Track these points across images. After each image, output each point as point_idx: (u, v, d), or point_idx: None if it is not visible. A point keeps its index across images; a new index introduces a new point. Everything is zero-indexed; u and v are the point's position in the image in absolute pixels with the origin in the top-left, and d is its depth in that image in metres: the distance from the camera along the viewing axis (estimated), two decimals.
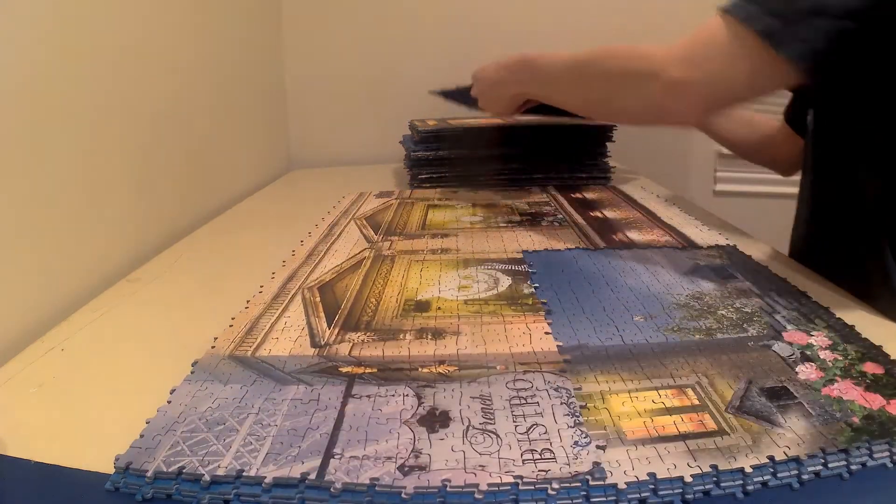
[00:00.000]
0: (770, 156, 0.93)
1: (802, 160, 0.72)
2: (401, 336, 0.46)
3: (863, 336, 0.44)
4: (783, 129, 0.87)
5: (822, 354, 0.42)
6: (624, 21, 1.32)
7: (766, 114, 0.92)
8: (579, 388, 0.38)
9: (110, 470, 0.32)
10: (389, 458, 0.32)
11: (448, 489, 0.29)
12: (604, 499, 0.29)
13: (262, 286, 0.56)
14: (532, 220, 0.79)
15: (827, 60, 0.48)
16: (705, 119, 0.62)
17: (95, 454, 0.33)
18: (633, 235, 0.70)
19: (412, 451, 0.32)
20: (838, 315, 0.48)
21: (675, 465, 0.31)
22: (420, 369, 0.41)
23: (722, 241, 0.67)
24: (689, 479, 0.30)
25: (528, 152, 1.00)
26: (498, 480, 0.30)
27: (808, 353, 0.42)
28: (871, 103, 0.56)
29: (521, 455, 0.32)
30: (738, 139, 0.95)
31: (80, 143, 0.60)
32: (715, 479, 0.30)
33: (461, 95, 0.91)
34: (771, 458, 0.31)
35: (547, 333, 0.46)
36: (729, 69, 0.52)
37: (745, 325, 0.46)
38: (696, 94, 0.54)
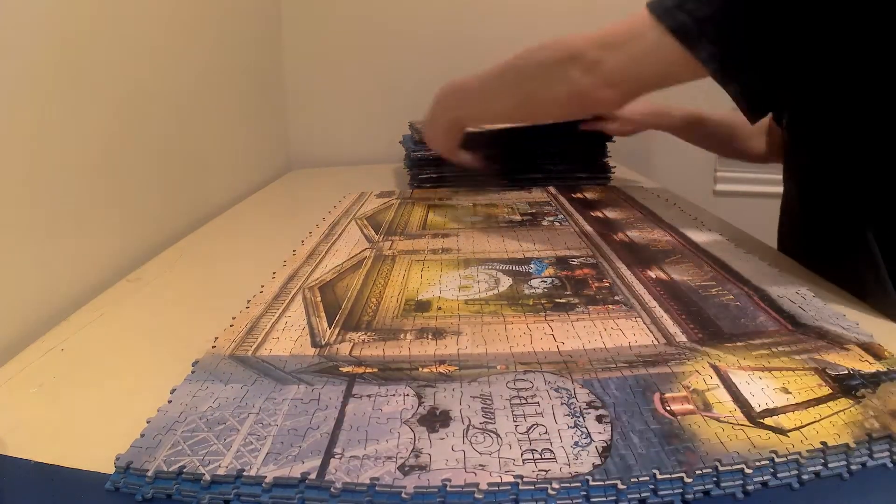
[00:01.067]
0: (740, 149, 0.95)
1: (780, 149, 0.73)
2: (401, 336, 0.46)
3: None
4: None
5: None
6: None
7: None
8: None
9: (110, 470, 0.32)
10: (390, 457, 0.32)
11: (448, 489, 0.29)
12: (604, 499, 0.29)
13: (262, 286, 0.56)
14: (532, 220, 0.79)
15: (739, 64, 0.51)
16: (625, 103, 0.63)
17: (95, 454, 0.33)
18: (634, 235, 0.70)
19: (412, 450, 0.32)
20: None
21: None
22: (420, 369, 0.41)
23: (722, 241, 0.67)
24: (688, 479, 0.30)
25: (527, 152, 1.00)
26: (498, 480, 0.30)
27: None
28: (847, 99, 0.56)
29: (522, 455, 0.32)
30: (720, 138, 0.96)
31: (79, 142, 0.60)
32: (715, 479, 0.30)
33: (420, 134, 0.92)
34: (771, 458, 0.31)
35: (547, 334, 0.46)
36: (643, 56, 0.55)
37: None
38: (612, 75, 0.57)
